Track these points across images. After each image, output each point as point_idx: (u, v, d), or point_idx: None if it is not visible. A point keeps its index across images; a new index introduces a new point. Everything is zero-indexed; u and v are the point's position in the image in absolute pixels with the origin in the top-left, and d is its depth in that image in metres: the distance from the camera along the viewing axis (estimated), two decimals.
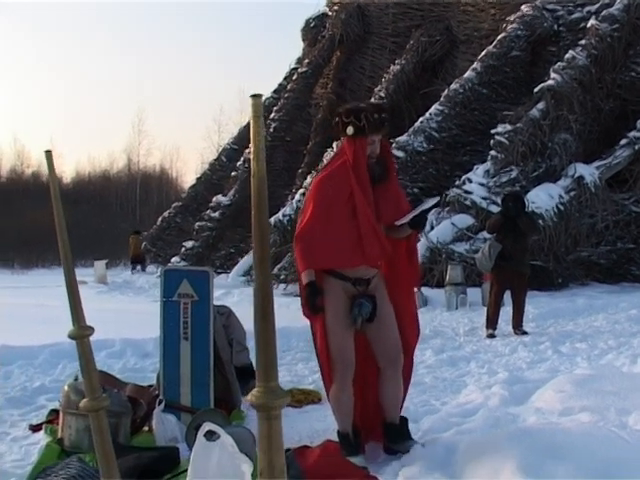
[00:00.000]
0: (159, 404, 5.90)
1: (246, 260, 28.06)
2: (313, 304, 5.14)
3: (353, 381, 5.38)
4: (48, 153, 2.52)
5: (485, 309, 12.86)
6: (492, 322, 12.24)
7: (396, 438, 5.45)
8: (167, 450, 5.04)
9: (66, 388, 5.60)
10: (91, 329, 2.67)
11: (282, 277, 23.03)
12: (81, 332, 2.62)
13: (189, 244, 31.57)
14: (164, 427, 5.70)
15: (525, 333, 12.09)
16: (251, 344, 8.18)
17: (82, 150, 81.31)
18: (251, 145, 1.35)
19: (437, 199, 6.46)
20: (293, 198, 27.15)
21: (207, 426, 3.71)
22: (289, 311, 14.98)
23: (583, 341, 11.26)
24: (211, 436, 3.76)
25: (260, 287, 1.37)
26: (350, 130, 5.20)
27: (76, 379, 5.91)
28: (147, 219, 43.37)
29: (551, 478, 4.34)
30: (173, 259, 31.14)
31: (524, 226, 12.23)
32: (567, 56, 22.31)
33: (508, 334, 12.20)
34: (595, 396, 6.48)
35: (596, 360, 9.47)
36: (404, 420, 5.58)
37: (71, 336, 2.62)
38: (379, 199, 5.34)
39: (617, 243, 21.52)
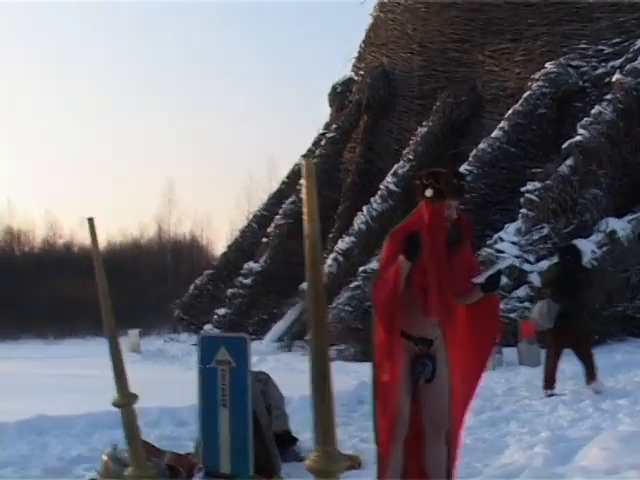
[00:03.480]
0: (199, 472, 5.85)
1: (280, 326, 28.02)
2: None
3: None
4: (90, 221, 2.54)
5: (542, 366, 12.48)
6: (551, 383, 11.91)
7: None
8: None
9: (105, 457, 5.58)
10: (135, 396, 2.65)
11: None
12: (126, 400, 2.60)
13: (221, 311, 31.55)
14: None
15: (598, 392, 11.64)
16: (288, 409, 8.13)
17: (113, 219, 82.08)
18: (304, 206, 1.34)
19: (511, 259, 6.42)
20: (324, 263, 27.14)
21: None
22: None
23: (624, 397, 11.08)
24: None
25: (317, 349, 1.35)
26: (429, 192, 5.24)
27: (115, 448, 5.88)
28: (179, 287, 43.39)
29: None
30: (206, 327, 31.10)
31: (584, 280, 12.03)
32: (593, 111, 22.37)
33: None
34: None
35: (639, 416, 9.30)
36: None
37: (116, 404, 2.60)
38: (454, 264, 5.33)
39: None
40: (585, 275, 12.23)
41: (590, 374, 11.97)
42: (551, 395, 11.66)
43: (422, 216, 5.32)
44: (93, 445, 8.67)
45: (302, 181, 1.37)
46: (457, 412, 5.48)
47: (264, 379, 7.46)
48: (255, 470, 6.13)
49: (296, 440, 7.81)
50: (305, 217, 1.33)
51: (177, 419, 10.13)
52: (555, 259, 18.81)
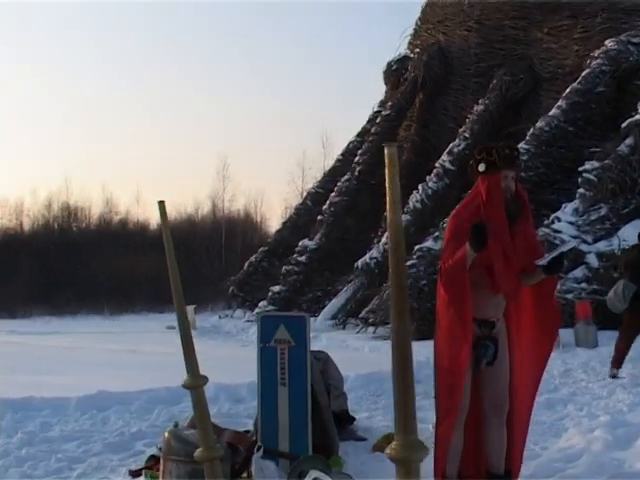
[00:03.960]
0: (258, 450, 5.89)
1: (334, 303, 28.07)
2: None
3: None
4: (161, 204, 2.56)
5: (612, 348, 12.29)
6: (619, 362, 11.81)
7: None
8: None
9: (167, 435, 5.63)
10: (205, 379, 2.67)
11: (371, 320, 22.96)
12: (196, 381, 2.62)
13: (276, 288, 31.71)
14: (263, 473, 5.69)
15: None
16: (345, 387, 8.17)
17: (167, 196, 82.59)
18: (387, 195, 1.34)
19: (574, 242, 6.34)
20: (379, 241, 27.09)
21: (314, 474, 3.69)
22: (380, 355, 14.92)
23: None
24: None
25: (399, 341, 1.35)
26: (482, 167, 5.21)
27: (176, 425, 5.94)
28: (232, 264, 43.65)
29: None
30: (261, 303, 31.29)
31: None
32: None
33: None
34: None
35: None
36: (510, 472, 5.45)
37: (187, 386, 2.62)
38: (515, 238, 5.26)
39: None
40: None
41: None
42: (614, 376, 11.56)
43: (479, 192, 5.28)
44: (152, 421, 8.79)
45: (385, 168, 1.36)
46: (523, 397, 5.44)
47: (324, 358, 7.49)
48: (313, 449, 6.17)
49: (354, 419, 7.85)
50: (388, 206, 1.32)
51: (234, 396, 10.22)
52: (622, 240, 18.70)
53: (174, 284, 2.59)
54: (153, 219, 56.19)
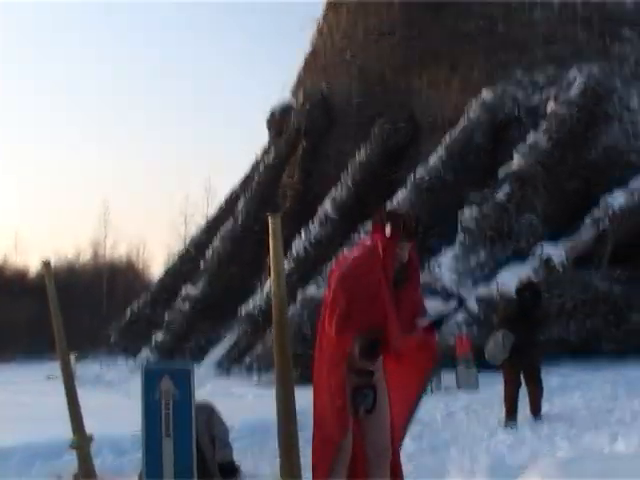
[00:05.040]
0: None
1: (218, 351, 27.93)
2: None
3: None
4: (47, 265, 2.57)
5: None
6: (512, 414, 11.69)
7: None
8: None
9: None
10: (91, 438, 2.67)
11: (255, 367, 22.93)
12: (83, 442, 2.62)
13: (159, 336, 31.35)
14: None
15: (541, 417, 11.78)
16: (231, 438, 8.12)
17: (47, 241, 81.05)
18: (271, 266, 1.40)
19: (455, 304, 6.60)
20: (262, 289, 27.13)
21: None
22: (266, 403, 14.84)
23: (560, 421, 11.24)
24: None
25: (283, 400, 1.42)
26: (388, 231, 5.36)
27: None
28: (115, 311, 42.99)
29: None
30: (143, 352, 30.87)
31: (540, 318, 12.08)
32: (529, 140, 22.78)
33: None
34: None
35: (576, 440, 9.42)
36: None
37: (74, 446, 2.62)
38: (400, 300, 5.44)
39: (586, 321, 21.68)
40: (542, 313, 12.33)
41: (533, 408, 11.94)
42: (514, 427, 11.22)
43: (372, 252, 5.42)
44: (32, 477, 8.54)
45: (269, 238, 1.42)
46: (394, 435, 5.56)
47: (208, 409, 7.45)
48: None
49: (238, 470, 7.81)
50: (272, 276, 1.39)
51: (118, 448, 9.98)
52: (501, 285, 19.20)
53: (60, 349, 2.60)
54: (32, 265, 55.06)
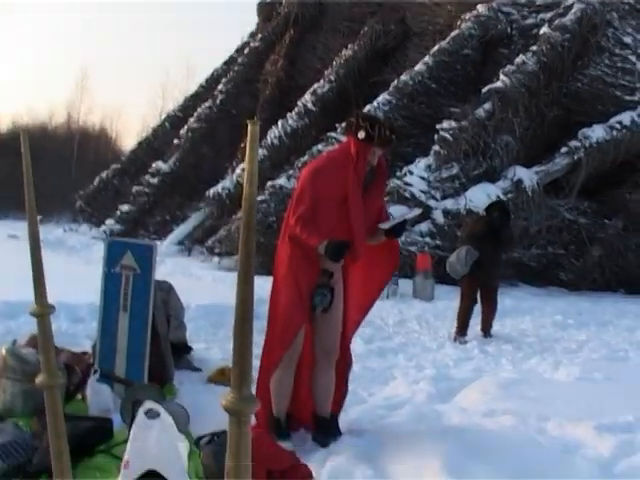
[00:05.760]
0: (94, 373, 5.93)
1: (182, 229, 28.04)
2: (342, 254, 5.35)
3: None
4: (24, 132, 2.57)
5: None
6: (463, 330, 11.81)
7: (325, 432, 5.57)
8: (102, 421, 5.07)
9: (3, 352, 5.59)
10: (53, 307, 2.71)
11: (216, 250, 23.04)
12: (43, 310, 2.65)
13: (125, 208, 31.37)
14: (98, 397, 5.74)
15: (490, 336, 11.95)
16: (186, 319, 8.25)
17: (21, 100, 79.75)
18: (245, 168, 1.43)
19: (420, 211, 6.66)
20: (234, 172, 27.10)
21: (148, 404, 3.79)
22: (225, 286, 15.03)
23: (508, 343, 11.41)
24: (151, 414, 3.84)
25: (242, 301, 1.47)
26: (361, 134, 5.37)
27: (14, 343, 5.90)
28: (83, 178, 42.72)
29: (472, 478, 4.51)
30: (107, 221, 30.92)
31: (507, 239, 12.15)
32: (517, 60, 22.63)
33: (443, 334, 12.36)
34: (518, 400, 6.69)
35: (520, 363, 9.65)
36: (334, 416, 5.71)
37: (34, 314, 2.66)
38: (364, 203, 5.48)
39: (548, 248, 21.94)
40: (510, 233, 12.39)
41: (484, 327, 12.11)
42: (464, 342, 11.40)
43: (350, 153, 5.46)
44: None
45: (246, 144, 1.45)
46: (345, 331, 5.70)
47: (166, 288, 7.53)
48: (149, 376, 6.24)
49: (191, 349, 7.95)
50: (245, 179, 1.42)
51: (74, 315, 10.05)
52: (469, 200, 19.31)
53: (30, 219, 2.61)
54: (3, 122, 54.40)
